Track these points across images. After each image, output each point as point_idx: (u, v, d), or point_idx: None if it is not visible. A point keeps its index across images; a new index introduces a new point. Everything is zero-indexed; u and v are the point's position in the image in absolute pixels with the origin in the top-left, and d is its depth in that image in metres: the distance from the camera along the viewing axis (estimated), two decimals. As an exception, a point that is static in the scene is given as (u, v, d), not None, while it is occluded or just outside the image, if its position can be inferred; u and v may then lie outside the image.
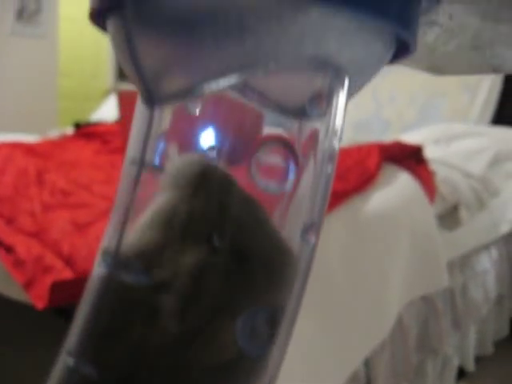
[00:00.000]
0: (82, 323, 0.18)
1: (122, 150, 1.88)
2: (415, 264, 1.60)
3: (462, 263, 2.01)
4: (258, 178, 0.17)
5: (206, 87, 0.16)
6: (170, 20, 0.17)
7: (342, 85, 0.18)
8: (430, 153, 1.88)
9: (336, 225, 1.38)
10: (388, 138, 2.37)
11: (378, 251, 1.49)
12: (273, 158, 0.17)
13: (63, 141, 2.34)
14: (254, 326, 0.17)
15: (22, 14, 3.56)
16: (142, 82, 0.17)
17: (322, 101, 0.17)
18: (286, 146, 0.17)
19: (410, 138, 2.19)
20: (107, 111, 3.03)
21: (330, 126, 0.18)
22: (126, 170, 0.18)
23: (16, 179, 1.71)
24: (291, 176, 0.17)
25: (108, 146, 2.18)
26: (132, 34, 0.17)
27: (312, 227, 0.18)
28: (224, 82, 0.16)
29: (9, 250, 1.35)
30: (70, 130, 2.61)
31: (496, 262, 2.22)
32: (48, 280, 1.25)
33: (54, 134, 2.64)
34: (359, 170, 1.57)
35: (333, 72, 0.17)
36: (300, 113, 0.18)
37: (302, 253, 0.18)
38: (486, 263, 2.16)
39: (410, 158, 1.76)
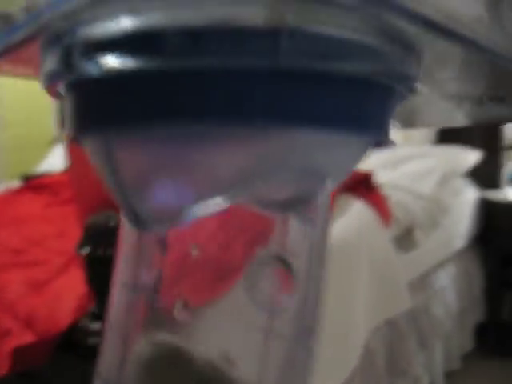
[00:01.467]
0: None
1: (72, 200, 1.84)
2: (376, 289, 1.61)
3: (422, 283, 2.04)
4: (254, 298, 0.17)
5: (194, 209, 0.16)
6: (154, 141, 0.16)
7: (325, 187, 0.18)
8: (379, 178, 1.91)
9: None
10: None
11: (340, 281, 1.49)
12: (268, 275, 0.17)
13: (10, 195, 2.28)
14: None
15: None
16: (127, 205, 0.17)
17: (308, 205, 0.18)
18: (285, 265, 0.17)
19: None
20: (53, 161, 2.96)
21: (318, 227, 0.18)
22: (119, 292, 0.17)
23: (-36, 241, 1.65)
24: (288, 296, 0.17)
25: (58, 198, 2.13)
26: (115, 157, 0.17)
27: (310, 332, 0.18)
28: (212, 203, 0.16)
29: (-37, 316, 1.29)
30: (16, 184, 2.54)
31: (454, 277, 2.26)
32: (7, 345, 1.21)
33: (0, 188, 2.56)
34: (314, 201, 1.58)
35: (317, 178, 0.17)
36: (287, 209, 0.18)
37: (299, 358, 0.18)
38: (445, 280, 2.20)
39: (361, 185, 1.78)
